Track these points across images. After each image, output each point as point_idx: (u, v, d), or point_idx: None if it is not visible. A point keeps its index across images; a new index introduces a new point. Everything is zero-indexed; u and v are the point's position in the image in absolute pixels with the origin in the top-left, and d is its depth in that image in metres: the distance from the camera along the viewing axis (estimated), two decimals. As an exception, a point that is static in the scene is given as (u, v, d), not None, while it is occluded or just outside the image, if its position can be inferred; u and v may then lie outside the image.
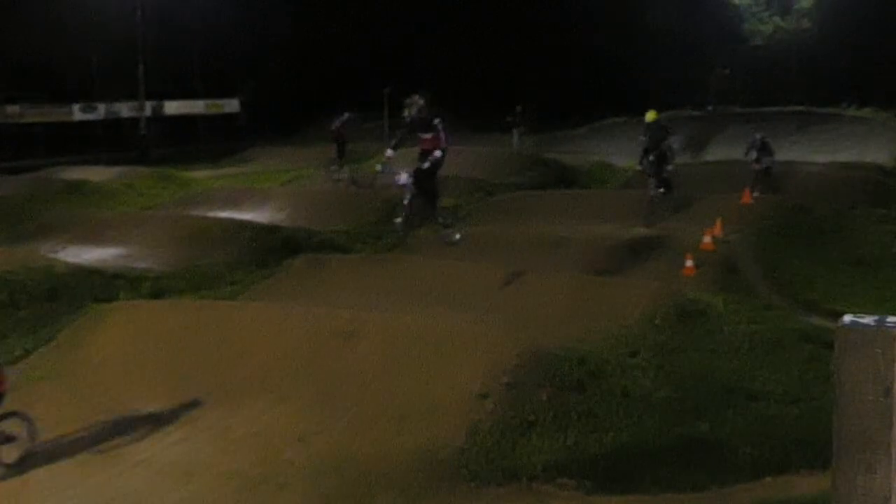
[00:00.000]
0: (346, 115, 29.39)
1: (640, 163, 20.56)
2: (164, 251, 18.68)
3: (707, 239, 16.58)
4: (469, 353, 10.83)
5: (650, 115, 21.27)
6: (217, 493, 9.03)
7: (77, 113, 39.96)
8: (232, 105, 45.52)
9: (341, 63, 43.87)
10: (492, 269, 15.33)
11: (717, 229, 17.31)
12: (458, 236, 14.50)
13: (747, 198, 20.09)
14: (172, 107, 42.92)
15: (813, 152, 31.17)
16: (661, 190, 19.79)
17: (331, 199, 23.39)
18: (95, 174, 28.56)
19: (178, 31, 41.05)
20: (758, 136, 24.00)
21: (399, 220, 14.20)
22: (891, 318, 3.01)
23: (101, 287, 15.70)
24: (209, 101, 44.74)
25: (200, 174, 32.23)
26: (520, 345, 11.00)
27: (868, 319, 3.02)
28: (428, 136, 13.36)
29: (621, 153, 32.80)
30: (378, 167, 14.80)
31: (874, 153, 30.26)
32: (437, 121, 13.40)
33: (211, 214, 22.08)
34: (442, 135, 13.39)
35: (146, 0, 39.33)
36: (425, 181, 13.63)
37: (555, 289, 14.18)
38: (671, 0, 41.67)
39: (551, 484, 8.80)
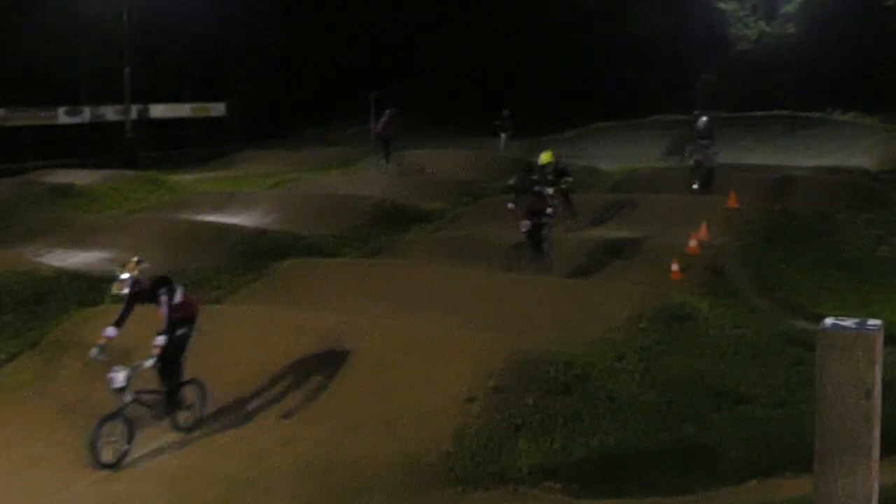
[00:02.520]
0: (388, 111, 31.05)
1: (522, 228, 15.66)
2: (150, 255, 18.42)
3: (693, 243, 16.60)
4: (456, 356, 10.84)
5: (545, 157, 18.41)
6: (203, 498, 9.00)
7: (62, 116, 39.75)
8: (218, 108, 45.31)
9: (340, 63, 43.72)
10: (478, 272, 15.35)
11: (703, 233, 17.34)
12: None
13: (733, 202, 20.11)
14: (158, 110, 42.70)
15: (799, 156, 31.35)
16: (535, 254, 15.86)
17: (318, 203, 23.33)
18: (81, 178, 28.40)
19: (172, 32, 40.72)
20: (703, 118, 23.45)
21: (102, 425, 9.63)
22: (871, 321, 3.02)
23: (87, 291, 15.64)
24: (195, 105, 44.51)
25: (187, 178, 32.07)
26: (507, 349, 11.01)
27: (849, 322, 3.03)
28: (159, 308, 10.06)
29: (608, 157, 32.92)
30: (93, 352, 10.00)
31: (859, 157, 30.41)
32: (162, 290, 10.09)
33: (198, 218, 22.01)
34: (164, 309, 9.96)
35: (136, 2, 39.10)
36: (165, 369, 10.20)
37: (542, 292, 14.22)
38: (658, 5, 41.75)
39: (538, 488, 8.81)
